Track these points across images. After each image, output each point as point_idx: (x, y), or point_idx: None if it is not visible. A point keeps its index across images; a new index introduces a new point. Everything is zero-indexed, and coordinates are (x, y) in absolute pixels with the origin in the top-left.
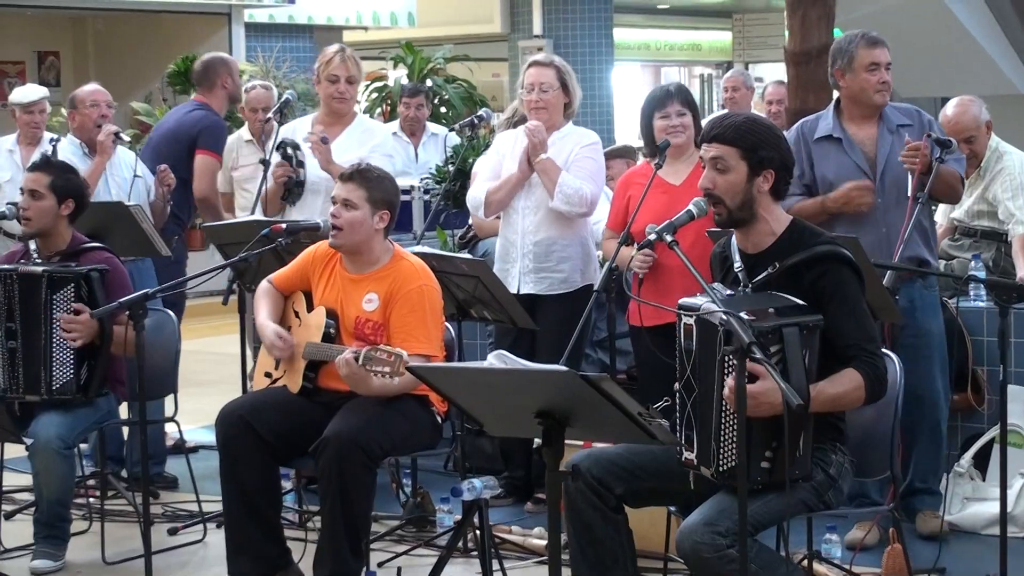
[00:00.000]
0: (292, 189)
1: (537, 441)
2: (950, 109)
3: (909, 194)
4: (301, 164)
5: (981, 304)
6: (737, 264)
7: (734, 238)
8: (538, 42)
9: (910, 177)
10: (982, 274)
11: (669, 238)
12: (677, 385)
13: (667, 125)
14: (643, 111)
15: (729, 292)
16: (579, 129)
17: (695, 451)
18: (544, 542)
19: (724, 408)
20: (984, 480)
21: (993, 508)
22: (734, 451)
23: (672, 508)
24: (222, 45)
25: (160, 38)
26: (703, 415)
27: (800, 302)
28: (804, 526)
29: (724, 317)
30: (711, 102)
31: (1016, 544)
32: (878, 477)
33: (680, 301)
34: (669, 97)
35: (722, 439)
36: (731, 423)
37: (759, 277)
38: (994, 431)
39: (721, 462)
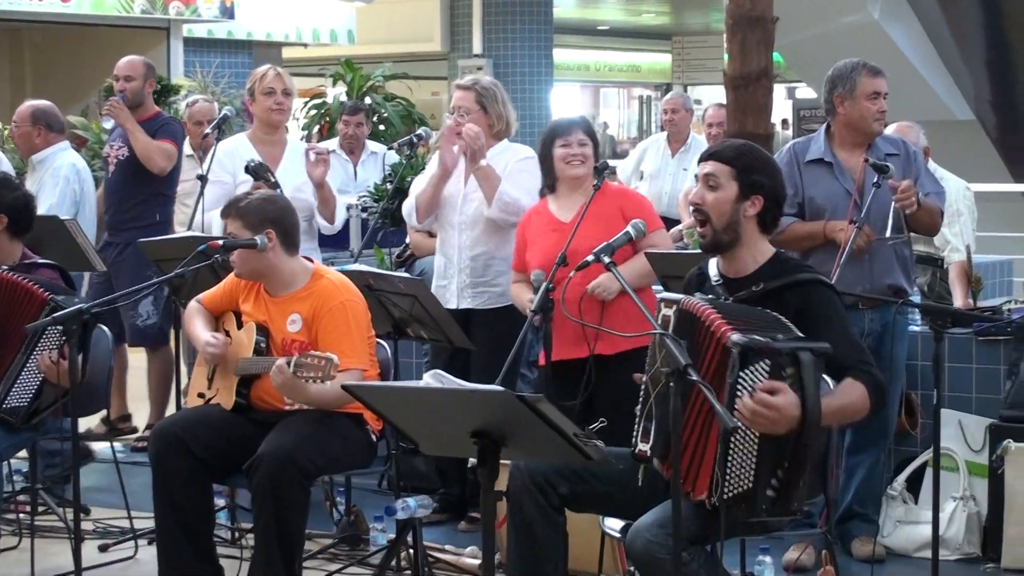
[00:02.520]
0: None
1: (472, 461)
2: (888, 134)
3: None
4: (277, 185)
5: (916, 329)
6: (716, 278)
7: (713, 260)
8: (478, 61)
9: (897, 209)
10: (917, 299)
11: (607, 260)
12: (644, 377)
13: (568, 153)
14: (544, 140)
15: (711, 297)
16: (514, 145)
17: (650, 443)
18: (478, 561)
19: (736, 432)
20: (917, 503)
21: (925, 531)
22: (748, 478)
23: (614, 532)
24: (160, 60)
25: (98, 52)
26: (664, 410)
27: (787, 322)
28: (737, 547)
29: (741, 341)
30: (650, 124)
31: (948, 567)
32: (811, 500)
33: (662, 295)
34: (573, 125)
35: (729, 464)
36: (746, 450)
37: (740, 294)
38: (927, 455)
39: (727, 489)
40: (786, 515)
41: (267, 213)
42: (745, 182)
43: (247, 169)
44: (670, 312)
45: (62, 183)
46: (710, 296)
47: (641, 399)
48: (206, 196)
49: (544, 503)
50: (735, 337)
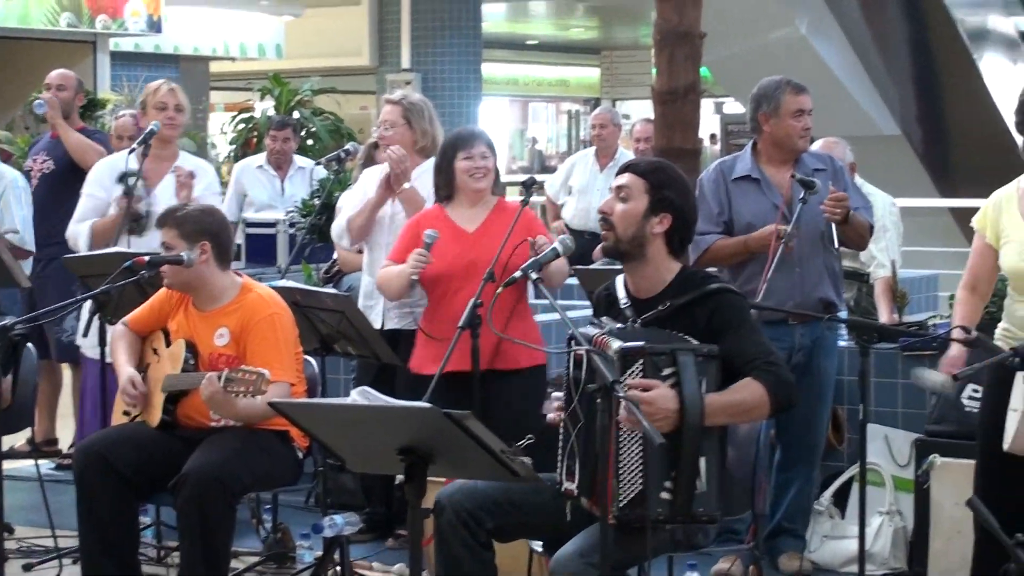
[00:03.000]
0: (138, 220)
1: (400, 478)
2: (815, 150)
3: (833, 240)
4: (130, 194)
5: (842, 344)
6: (624, 300)
7: (620, 279)
8: (406, 76)
9: (833, 226)
10: (844, 314)
11: (534, 276)
12: (562, 415)
13: (471, 166)
14: (445, 150)
15: (620, 326)
16: None
17: (575, 482)
18: None
19: (619, 438)
20: (843, 518)
21: (852, 546)
22: (637, 481)
23: (537, 548)
24: (87, 74)
25: (23, 65)
26: (586, 446)
27: (695, 341)
28: (665, 563)
29: (592, 352)
30: (578, 138)
31: None
32: (739, 515)
33: (574, 331)
34: (475, 138)
35: (620, 470)
36: (631, 452)
37: (649, 315)
38: (853, 469)
39: (621, 495)
40: (689, 520)
41: (204, 225)
42: (655, 197)
43: (119, 178)
44: (582, 352)
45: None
46: (619, 326)
47: (561, 439)
48: (77, 209)
49: (471, 540)
50: (615, 344)
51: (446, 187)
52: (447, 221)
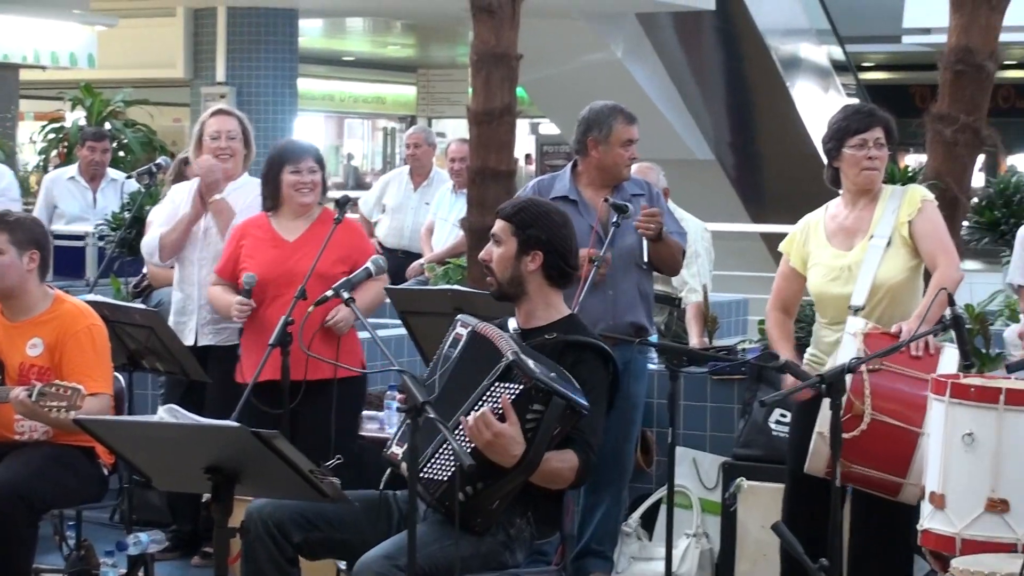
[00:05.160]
0: None
1: (207, 496)
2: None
3: (644, 256)
4: None
5: (652, 367)
6: (513, 326)
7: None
8: (221, 89)
9: (644, 244)
10: (654, 338)
11: (346, 295)
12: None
13: (298, 181)
14: (272, 162)
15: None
16: (255, 179)
17: (404, 447)
18: None
19: (460, 433)
20: (651, 540)
21: (659, 567)
22: (444, 472)
23: (342, 565)
24: None
25: None
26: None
27: (569, 375)
28: None
29: (513, 356)
30: (394, 155)
31: None
32: (548, 538)
33: (461, 316)
34: (305, 152)
35: (438, 455)
36: (447, 458)
37: (533, 340)
38: (661, 492)
39: (427, 472)
40: (469, 526)
41: (35, 234)
42: (522, 238)
43: None
44: (464, 332)
45: None
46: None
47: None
48: None
49: (277, 555)
50: (511, 353)
51: (272, 198)
52: (269, 229)
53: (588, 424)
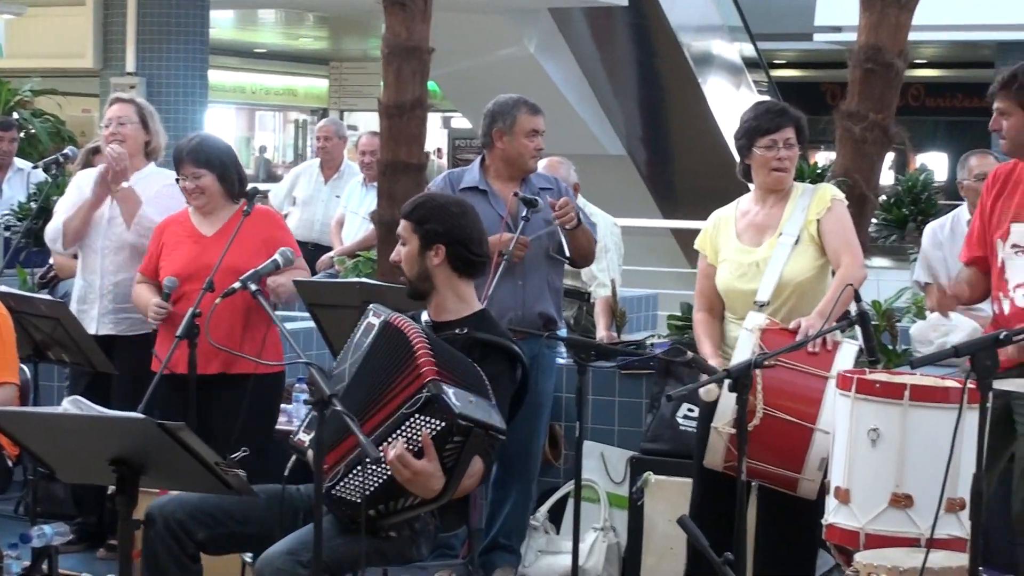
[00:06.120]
0: None
1: (111, 488)
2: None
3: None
4: None
5: (561, 361)
6: (425, 319)
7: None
8: (131, 79)
9: (562, 235)
10: (563, 332)
11: (253, 287)
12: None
13: (183, 187)
14: (175, 163)
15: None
16: (162, 170)
17: (311, 434)
18: None
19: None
20: (558, 533)
21: (566, 561)
22: (356, 495)
23: (248, 557)
24: None
25: None
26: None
27: (487, 383)
28: None
29: (434, 389)
30: (306, 148)
31: None
32: (454, 531)
33: (375, 304)
34: (182, 160)
35: (351, 476)
36: (377, 473)
37: (444, 334)
38: (569, 486)
39: (338, 491)
40: (379, 534)
41: None
42: (421, 234)
43: None
44: (376, 322)
45: None
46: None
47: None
48: None
49: (179, 552)
50: (431, 384)
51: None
52: (188, 224)
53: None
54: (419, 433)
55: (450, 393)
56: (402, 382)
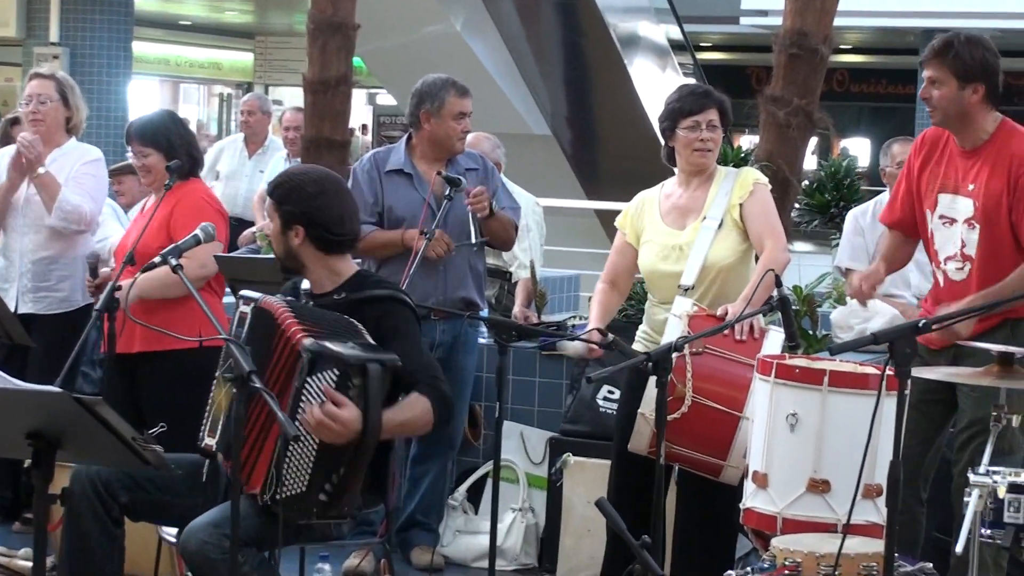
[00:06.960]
0: None
1: (28, 462)
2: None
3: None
4: None
5: (482, 341)
6: (305, 287)
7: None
8: (54, 50)
9: (472, 222)
10: (485, 312)
11: (174, 262)
12: (218, 373)
13: (134, 163)
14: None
15: (290, 298)
16: (82, 145)
17: (216, 438)
18: (31, 564)
19: (297, 439)
20: (476, 513)
21: (484, 541)
22: (303, 481)
23: (169, 537)
24: None
25: None
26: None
27: (360, 327)
28: (297, 554)
29: (313, 347)
30: (230, 122)
31: None
32: (373, 509)
33: (243, 292)
34: (131, 137)
35: (288, 465)
36: (306, 451)
37: (322, 300)
38: (488, 466)
39: (283, 491)
40: (337, 518)
41: None
42: (281, 214)
43: None
44: (247, 309)
45: None
46: (290, 298)
47: (212, 395)
48: None
49: (103, 514)
50: (307, 343)
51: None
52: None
53: (419, 364)
54: (321, 392)
55: (328, 345)
56: (282, 353)
